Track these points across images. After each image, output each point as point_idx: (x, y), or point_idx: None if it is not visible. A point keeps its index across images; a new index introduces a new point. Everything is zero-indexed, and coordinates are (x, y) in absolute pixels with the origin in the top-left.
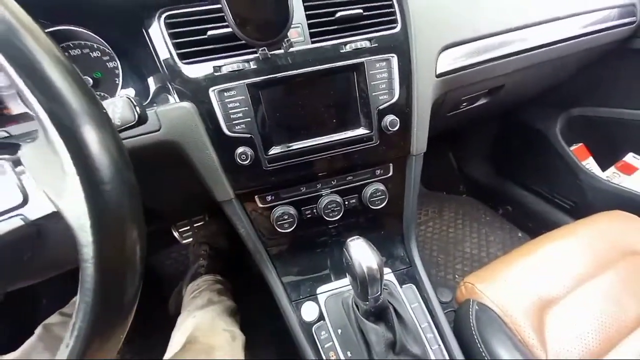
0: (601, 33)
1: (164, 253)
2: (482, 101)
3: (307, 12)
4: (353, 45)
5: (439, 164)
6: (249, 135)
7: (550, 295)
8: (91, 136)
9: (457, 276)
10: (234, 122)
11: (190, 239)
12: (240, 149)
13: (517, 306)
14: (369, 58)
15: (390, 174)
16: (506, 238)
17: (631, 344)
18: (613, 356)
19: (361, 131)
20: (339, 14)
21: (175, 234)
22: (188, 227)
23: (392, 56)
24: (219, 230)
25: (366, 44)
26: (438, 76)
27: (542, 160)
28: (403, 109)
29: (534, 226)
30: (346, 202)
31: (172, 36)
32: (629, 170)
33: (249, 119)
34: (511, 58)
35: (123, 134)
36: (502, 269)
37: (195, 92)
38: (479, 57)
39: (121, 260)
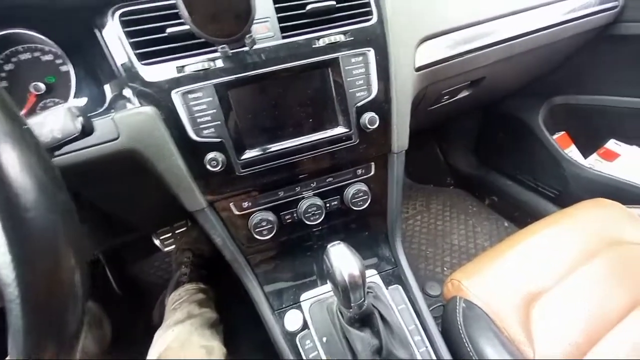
0: (583, 19)
1: (147, 262)
2: (463, 94)
3: (276, 5)
4: (327, 40)
5: (425, 157)
6: (219, 140)
7: (536, 288)
8: (7, 156)
9: (445, 269)
10: (201, 127)
11: (173, 247)
12: (210, 155)
13: (504, 302)
14: (344, 53)
15: (372, 173)
16: (493, 228)
17: (617, 335)
18: (600, 348)
19: (339, 130)
20: (310, 7)
21: (157, 242)
22: (170, 234)
23: (368, 50)
24: (201, 236)
25: (340, 37)
26: (417, 70)
27: (526, 149)
28: (382, 105)
29: (519, 215)
30: (327, 205)
31: (128, 35)
32: (610, 156)
33: (218, 122)
34: (491, 49)
35: (75, 146)
36: (487, 263)
37: (157, 95)
38: (459, 49)
39: (55, 294)
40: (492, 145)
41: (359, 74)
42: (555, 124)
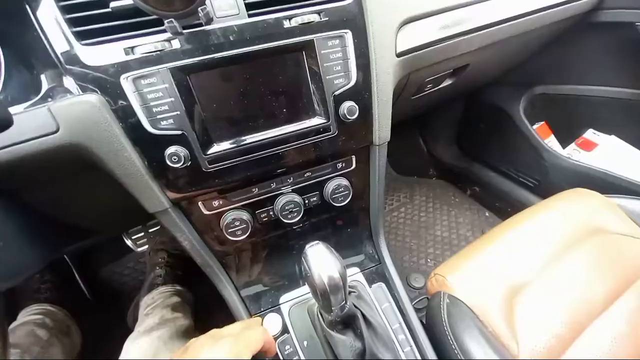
0: (564, 6)
1: (120, 263)
2: (447, 82)
3: None
4: (299, 20)
5: (408, 148)
6: (181, 132)
7: (518, 281)
8: None
9: (429, 260)
10: (158, 117)
11: (146, 247)
12: (170, 149)
13: (488, 296)
14: (320, 35)
15: (353, 166)
16: (475, 219)
17: (601, 325)
18: (583, 339)
19: (317, 121)
20: None
21: (128, 242)
22: (142, 234)
23: (345, 32)
24: None
25: (315, 17)
26: (399, 55)
27: (507, 139)
28: (362, 93)
29: (500, 205)
30: (306, 201)
31: (64, 10)
32: (588, 146)
33: (178, 113)
34: (474, 34)
35: (5, 141)
36: (471, 257)
37: (102, 81)
38: (442, 33)
39: None
40: (474, 135)
41: (337, 58)
42: (535, 114)
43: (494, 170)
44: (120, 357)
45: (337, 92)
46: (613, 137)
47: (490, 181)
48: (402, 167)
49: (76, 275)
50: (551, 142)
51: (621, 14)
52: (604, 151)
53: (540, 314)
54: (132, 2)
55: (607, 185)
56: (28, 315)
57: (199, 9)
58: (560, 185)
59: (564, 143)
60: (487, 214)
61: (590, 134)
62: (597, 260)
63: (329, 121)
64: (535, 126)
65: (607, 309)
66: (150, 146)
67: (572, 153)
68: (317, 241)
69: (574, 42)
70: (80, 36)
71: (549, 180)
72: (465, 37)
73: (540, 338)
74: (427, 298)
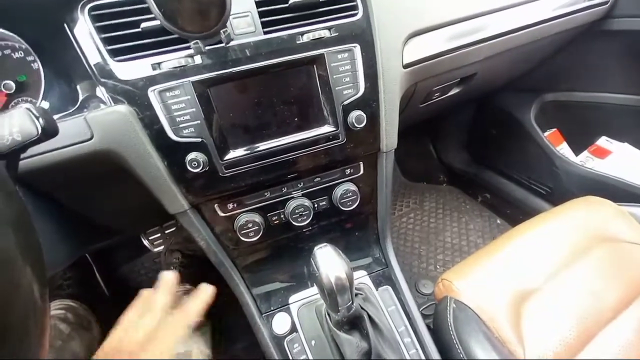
0: (573, 15)
1: (137, 262)
2: (454, 91)
3: (256, 0)
4: (311, 35)
5: (418, 154)
6: (200, 140)
7: (526, 287)
8: None
9: (438, 267)
10: (180, 126)
11: (162, 247)
12: (191, 156)
13: (494, 302)
14: (330, 49)
15: (361, 172)
16: (485, 226)
17: (610, 334)
18: (592, 347)
19: (326, 129)
20: (292, 1)
21: (145, 242)
22: (159, 234)
23: (354, 46)
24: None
25: (325, 33)
26: (405, 67)
27: (518, 146)
28: (370, 103)
29: (511, 213)
30: (315, 205)
31: (99, 30)
32: (602, 154)
33: (198, 122)
34: (482, 44)
35: (47, 147)
36: (479, 263)
37: (132, 93)
38: (448, 45)
39: (12, 311)
40: (485, 142)
41: (346, 70)
42: (546, 121)
43: (505, 177)
44: None
45: (346, 102)
46: (626, 144)
47: (502, 188)
48: (411, 173)
49: (96, 272)
50: (563, 150)
51: (632, 22)
52: (618, 159)
53: (548, 320)
54: (159, 22)
55: (620, 192)
56: (51, 309)
57: (221, 31)
58: (573, 193)
59: (577, 150)
60: (498, 221)
61: (603, 142)
62: (607, 269)
63: (338, 129)
64: (547, 133)
65: (616, 317)
66: (172, 152)
67: (585, 160)
68: (326, 243)
69: (585, 49)
70: (114, 53)
71: (561, 188)
72: (473, 47)
73: (547, 345)
74: (436, 304)
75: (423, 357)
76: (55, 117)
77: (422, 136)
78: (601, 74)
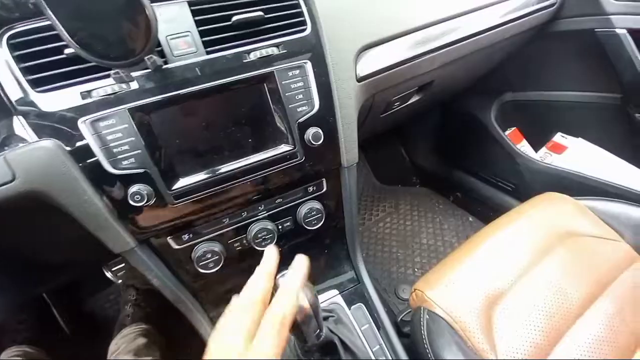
0: (523, 19)
1: (101, 295)
2: (414, 98)
3: (196, 18)
4: (258, 53)
5: (391, 158)
6: (143, 170)
7: (496, 290)
8: None
9: (416, 270)
10: (119, 157)
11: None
12: (133, 188)
13: (466, 309)
14: (280, 66)
15: (324, 189)
16: (458, 224)
17: (578, 332)
18: (561, 347)
19: (283, 148)
20: (235, 18)
21: (108, 274)
22: (122, 264)
23: (305, 62)
24: None
25: (274, 50)
26: (359, 80)
27: (482, 146)
28: (326, 119)
29: (482, 209)
30: (280, 227)
31: (18, 60)
32: (559, 149)
33: (139, 151)
34: (434, 54)
35: None
36: (448, 270)
37: (59, 126)
38: (402, 56)
39: None
40: (453, 143)
41: (298, 87)
42: (506, 120)
43: (474, 176)
44: None
45: (301, 120)
46: (580, 139)
47: (472, 187)
48: (385, 177)
49: (55, 312)
50: (524, 147)
51: (580, 22)
52: (573, 153)
53: (517, 323)
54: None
55: (578, 186)
56: (7, 357)
57: (145, 58)
58: (536, 188)
59: (536, 147)
60: (470, 219)
61: (559, 137)
62: (570, 265)
63: (295, 147)
64: (507, 132)
65: (584, 313)
66: (111, 187)
67: (544, 156)
68: (285, 271)
69: (537, 50)
70: (35, 83)
71: (524, 184)
72: (426, 57)
73: (518, 348)
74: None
75: None
76: None
77: (393, 141)
78: (554, 72)
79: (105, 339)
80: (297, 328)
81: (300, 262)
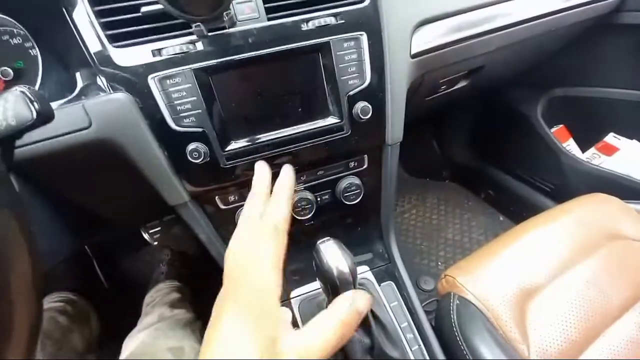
0: (584, 7)
1: (138, 256)
2: (461, 84)
3: None
4: (316, 22)
5: (422, 150)
6: (201, 130)
7: (532, 284)
8: None
9: (439, 263)
10: (181, 115)
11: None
12: (191, 146)
13: (499, 299)
14: (336, 37)
15: (365, 166)
16: (488, 223)
17: (615, 333)
18: (597, 346)
19: (330, 120)
20: None
21: (145, 236)
22: (159, 228)
23: (361, 34)
24: (183, 233)
25: (331, 20)
26: (413, 56)
27: (524, 142)
28: (376, 94)
29: (515, 210)
30: (318, 199)
31: (99, 15)
32: (609, 151)
33: (199, 111)
34: (491, 35)
35: (44, 135)
36: (483, 259)
37: (131, 81)
38: (458, 35)
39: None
40: (490, 138)
41: (351, 60)
42: (553, 117)
43: (509, 174)
44: (121, 355)
45: (351, 93)
46: (635, 141)
47: (505, 185)
48: (414, 169)
49: (96, 265)
50: (570, 146)
51: None
52: (625, 156)
53: (553, 318)
54: (160, 6)
55: (627, 190)
56: (50, 302)
57: (224, 13)
58: (578, 190)
59: (584, 147)
60: (501, 218)
61: (611, 138)
62: (614, 267)
63: (342, 121)
64: (553, 129)
65: (622, 316)
66: (173, 142)
67: (592, 157)
68: (329, 237)
69: (595, 44)
70: (113, 39)
71: (566, 185)
72: (482, 38)
73: (552, 342)
74: (437, 301)
75: (426, 354)
76: (53, 104)
77: (425, 132)
78: (610, 69)
79: (139, 293)
80: (335, 292)
81: (286, 172)
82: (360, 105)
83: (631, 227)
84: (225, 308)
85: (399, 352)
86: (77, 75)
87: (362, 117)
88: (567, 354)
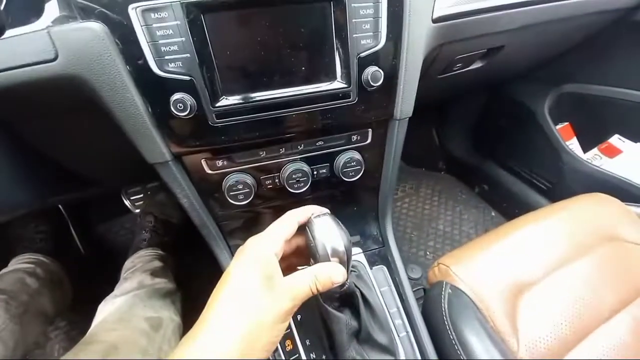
0: None
1: (117, 222)
2: (477, 64)
3: None
4: None
5: (420, 139)
6: (188, 78)
7: (525, 279)
8: None
9: (428, 253)
10: (166, 58)
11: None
12: (176, 96)
13: (491, 291)
14: None
15: (369, 141)
16: (479, 217)
17: (604, 333)
18: (586, 344)
19: (336, 85)
20: None
21: (126, 202)
22: (141, 195)
23: None
24: (168, 200)
25: None
26: (435, 21)
27: (525, 138)
28: (389, 59)
29: (508, 206)
30: (315, 172)
31: None
32: (612, 152)
33: (188, 55)
34: (517, 10)
35: (2, 65)
36: (478, 251)
37: (108, 9)
38: (483, 3)
39: None
40: (491, 131)
41: (367, 14)
42: (559, 114)
43: (506, 169)
44: (94, 320)
45: (362, 54)
46: (639, 145)
47: (501, 180)
48: (410, 158)
49: (71, 228)
50: (573, 145)
51: None
52: (627, 159)
53: (544, 314)
54: None
55: (626, 194)
56: (19, 263)
57: None
58: (575, 190)
59: (587, 147)
60: (493, 214)
61: (615, 140)
62: (609, 267)
63: (349, 86)
64: (558, 127)
65: (613, 317)
66: (155, 89)
67: (593, 158)
68: (326, 211)
69: (612, 41)
70: None
71: (563, 184)
72: (507, 11)
73: (542, 338)
74: (424, 289)
75: (413, 340)
76: (15, 30)
77: (426, 120)
78: (625, 68)
79: (117, 261)
80: None
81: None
82: (371, 70)
83: (629, 229)
84: (235, 262)
85: (386, 337)
86: (47, 4)
87: (371, 84)
88: (556, 350)
